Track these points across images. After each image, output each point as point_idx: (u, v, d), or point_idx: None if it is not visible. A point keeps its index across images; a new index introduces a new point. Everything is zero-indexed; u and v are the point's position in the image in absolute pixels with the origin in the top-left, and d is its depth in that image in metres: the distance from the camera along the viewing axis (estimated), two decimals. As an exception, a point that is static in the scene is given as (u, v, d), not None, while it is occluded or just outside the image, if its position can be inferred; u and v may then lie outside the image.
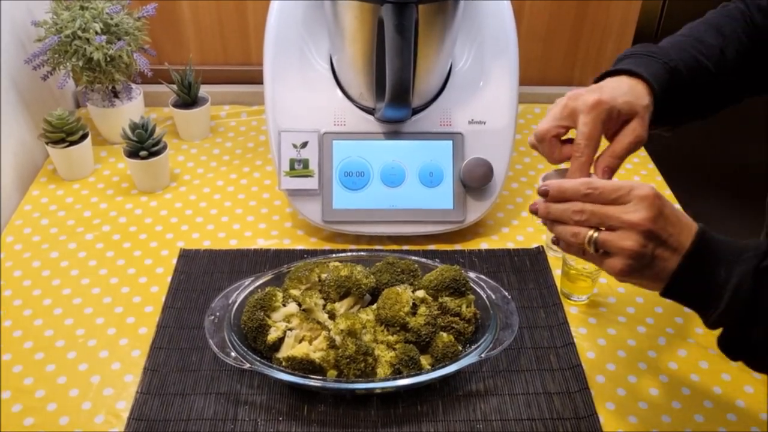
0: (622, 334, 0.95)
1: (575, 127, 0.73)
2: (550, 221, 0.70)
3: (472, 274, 0.95)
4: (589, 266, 0.98)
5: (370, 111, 1.07)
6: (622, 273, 0.65)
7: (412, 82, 0.96)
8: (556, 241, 0.71)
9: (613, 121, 0.73)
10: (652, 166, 1.27)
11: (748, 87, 0.83)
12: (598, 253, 0.66)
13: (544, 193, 0.69)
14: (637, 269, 0.65)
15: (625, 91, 0.73)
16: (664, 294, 0.67)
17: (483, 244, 1.10)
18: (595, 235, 0.65)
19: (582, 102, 0.72)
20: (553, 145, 0.75)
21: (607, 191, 0.65)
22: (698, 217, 0.68)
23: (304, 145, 1.06)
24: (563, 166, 0.76)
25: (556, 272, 1.03)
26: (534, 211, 0.71)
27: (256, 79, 1.39)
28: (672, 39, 0.82)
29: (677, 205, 1.00)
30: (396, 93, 0.95)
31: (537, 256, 1.07)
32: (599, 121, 0.72)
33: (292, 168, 1.06)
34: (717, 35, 0.80)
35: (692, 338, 0.94)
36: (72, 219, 1.13)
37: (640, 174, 1.26)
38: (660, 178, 1.24)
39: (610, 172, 0.74)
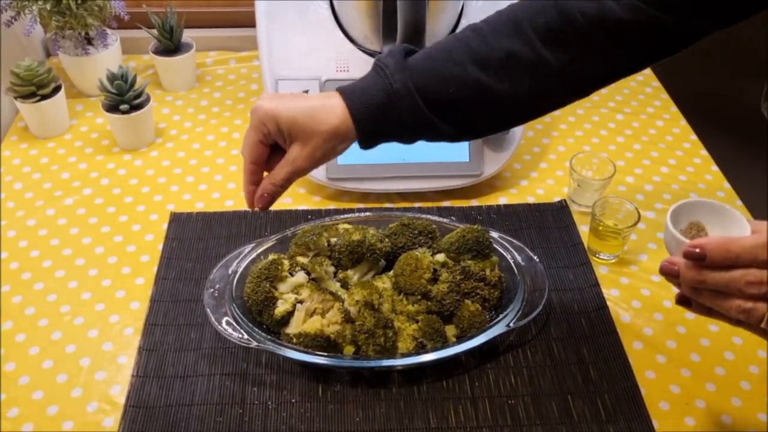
0: (658, 294, 0.88)
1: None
2: (697, 289, 0.54)
3: (494, 234, 0.87)
4: (621, 222, 0.90)
5: (376, 55, 0.97)
6: None
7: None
8: (686, 302, 0.57)
9: (276, 135, 0.67)
10: (684, 123, 1.18)
11: (569, 88, 0.69)
12: None
13: (698, 258, 0.52)
14: None
15: (307, 107, 0.65)
16: None
17: (501, 198, 1.01)
18: None
19: (251, 110, 0.67)
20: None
21: None
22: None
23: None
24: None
25: (582, 228, 0.96)
26: (670, 274, 0.55)
27: (245, 21, 1.28)
28: (450, 38, 0.69)
29: None
30: (409, 35, 0.85)
31: (560, 210, 0.99)
32: (252, 128, 0.67)
33: (291, 120, 0.96)
34: (512, 33, 0.65)
35: (732, 297, 0.87)
36: (48, 182, 1.02)
37: (663, 118, 1.17)
38: (694, 137, 1.15)
39: (268, 199, 0.69)
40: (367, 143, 0.69)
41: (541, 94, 0.68)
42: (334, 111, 0.65)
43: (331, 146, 0.67)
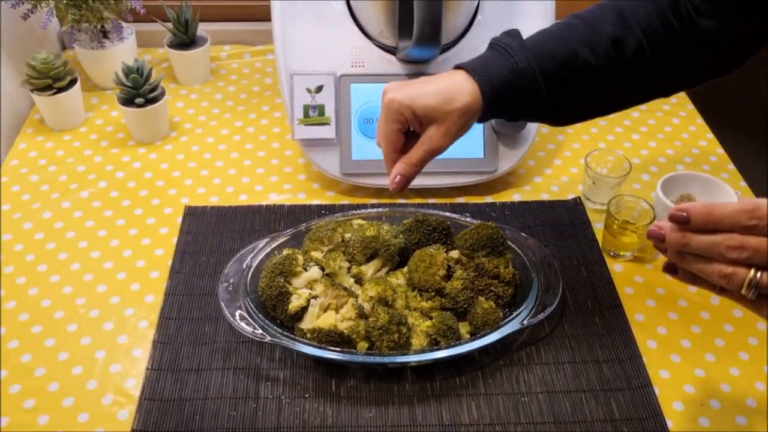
0: (672, 293, 0.87)
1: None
2: (682, 253, 0.55)
3: (508, 231, 0.86)
4: (636, 219, 0.90)
5: (391, 50, 0.97)
6: None
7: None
8: (672, 269, 0.58)
9: (413, 121, 0.69)
10: (700, 120, 1.16)
11: (660, 84, 0.73)
12: (758, 298, 0.52)
13: (682, 220, 0.53)
14: None
15: (436, 90, 0.68)
16: None
17: (515, 195, 1.01)
18: (759, 275, 0.50)
19: (385, 99, 0.69)
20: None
21: None
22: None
23: (319, 89, 0.95)
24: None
25: (597, 226, 0.95)
26: (656, 237, 0.55)
27: (260, 15, 1.28)
28: (558, 25, 0.73)
29: None
30: (426, 30, 0.84)
31: (574, 208, 0.98)
32: (390, 120, 0.69)
33: (306, 115, 0.96)
34: (617, 22, 0.70)
35: (748, 297, 0.87)
36: (64, 174, 1.03)
37: (679, 116, 1.16)
38: (711, 135, 1.13)
39: (404, 180, 0.71)
40: (484, 118, 0.72)
41: (640, 85, 0.73)
42: (463, 89, 0.68)
43: (463, 122, 0.69)
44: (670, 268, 0.58)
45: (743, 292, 0.51)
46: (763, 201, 0.50)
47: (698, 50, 0.71)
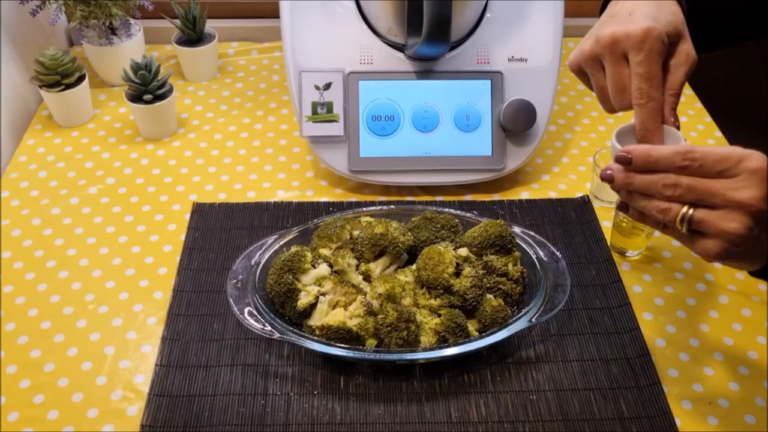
0: (681, 292, 0.87)
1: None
2: (628, 191, 0.59)
3: (516, 229, 0.86)
4: (645, 219, 0.90)
5: (400, 47, 0.96)
6: (718, 257, 0.56)
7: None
8: (624, 208, 0.61)
9: (664, 51, 0.62)
10: (708, 119, 1.16)
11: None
12: (689, 233, 0.56)
13: (625, 161, 0.57)
14: (736, 254, 0.56)
15: (657, 10, 0.62)
16: (755, 274, 0.59)
17: (523, 193, 1.01)
18: (690, 212, 0.55)
19: (626, 39, 0.61)
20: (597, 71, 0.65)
21: (710, 163, 0.54)
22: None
23: (328, 86, 0.95)
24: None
25: (605, 224, 0.95)
26: (607, 179, 0.59)
27: (268, 12, 1.28)
28: None
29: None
30: (435, 27, 0.84)
31: (583, 206, 0.98)
32: (655, 54, 0.61)
33: (314, 112, 0.96)
34: None
35: (757, 296, 0.87)
36: (72, 170, 1.03)
37: (687, 114, 1.16)
38: (719, 134, 1.13)
39: (676, 113, 0.64)
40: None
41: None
42: (672, 3, 0.63)
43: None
44: (623, 207, 0.62)
45: (677, 226, 0.56)
46: (696, 146, 0.55)
47: None
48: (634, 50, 0.61)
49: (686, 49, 0.63)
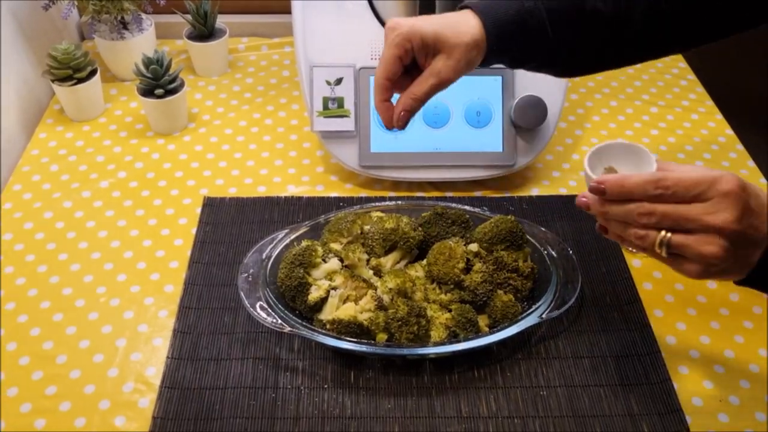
0: (691, 289, 0.87)
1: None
2: (607, 219, 0.61)
3: (526, 225, 0.86)
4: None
5: (411, 43, 0.96)
6: (699, 277, 0.58)
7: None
8: (603, 230, 0.63)
9: (419, 50, 0.67)
10: (720, 116, 1.15)
11: (674, 36, 0.71)
12: (669, 255, 0.58)
13: (599, 191, 0.59)
14: (717, 272, 0.57)
15: (444, 22, 0.67)
16: (741, 284, 0.60)
17: (533, 189, 1.01)
18: (668, 236, 0.57)
19: (390, 27, 0.67)
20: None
21: (683, 189, 0.56)
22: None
23: (339, 81, 0.96)
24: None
25: (615, 221, 0.95)
26: (582, 206, 0.62)
27: (278, 8, 1.28)
28: None
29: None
30: (447, 22, 0.84)
31: (593, 203, 0.98)
32: (393, 46, 0.66)
33: (325, 107, 0.96)
34: None
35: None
36: (84, 164, 1.03)
37: (698, 111, 1.15)
38: (730, 131, 1.12)
39: (408, 116, 0.69)
40: (488, 60, 0.70)
41: (649, 34, 0.70)
42: (469, 24, 0.67)
43: (470, 57, 0.67)
44: (602, 229, 0.63)
45: (657, 250, 0.58)
46: (667, 173, 0.57)
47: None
48: (386, 36, 0.68)
49: (440, 65, 0.66)
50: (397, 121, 0.69)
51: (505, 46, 0.69)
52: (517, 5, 0.68)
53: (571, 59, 0.72)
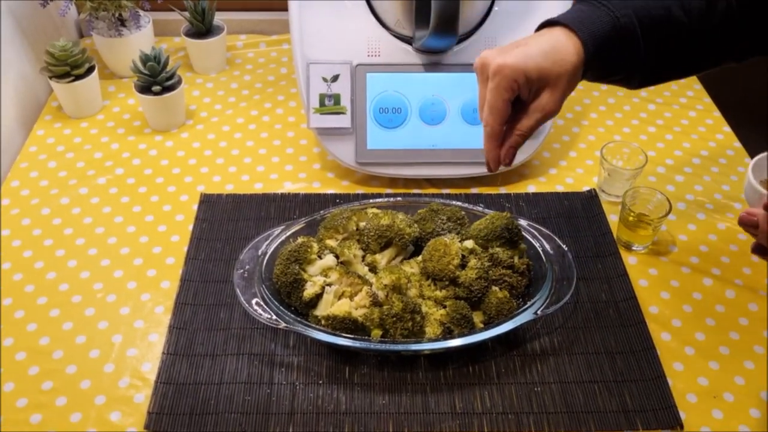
0: (687, 286, 0.87)
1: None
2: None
3: (522, 222, 0.86)
4: (651, 212, 0.89)
5: (407, 40, 0.97)
6: None
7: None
8: (761, 251, 0.60)
9: (524, 87, 0.65)
10: (717, 114, 1.15)
11: (748, 45, 0.70)
12: None
13: None
14: None
15: (543, 51, 0.65)
16: None
17: (530, 187, 1.01)
18: None
19: (490, 67, 0.65)
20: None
21: None
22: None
23: (335, 78, 0.96)
24: None
25: (612, 218, 0.95)
26: (750, 225, 0.58)
27: (276, 5, 1.29)
28: None
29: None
30: (443, 19, 0.84)
31: (590, 200, 0.98)
32: (502, 89, 0.64)
33: (321, 104, 0.96)
34: None
35: (763, 291, 0.86)
36: (81, 161, 1.04)
37: (696, 109, 1.15)
38: (727, 128, 1.12)
39: (514, 152, 0.68)
40: (585, 77, 0.69)
41: (726, 40, 0.70)
42: (569, 48, 0.65)
43: (573, 84, 0.66)
44: (760, 250, 0.60)
45: None
46: None
47: None
48: (490, 79, 0.65)
49: (545, 101, 0.66)
50: (505, 159, 0.68)
51: (599, 62, 0.67)
52: (611, 20, 0.66)
53: (655, 70, 0.70)
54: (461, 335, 0.75)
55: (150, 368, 0.77)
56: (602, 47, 0.66)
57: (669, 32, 0.67)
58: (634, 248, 0.91)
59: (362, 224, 0.85)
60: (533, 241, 0.85)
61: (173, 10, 1.19)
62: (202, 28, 1.18)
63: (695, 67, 0.74)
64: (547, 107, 0.66)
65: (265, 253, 0.83)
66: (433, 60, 0.97)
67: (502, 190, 1.00)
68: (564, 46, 0.65)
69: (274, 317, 0.75)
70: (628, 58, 0.68)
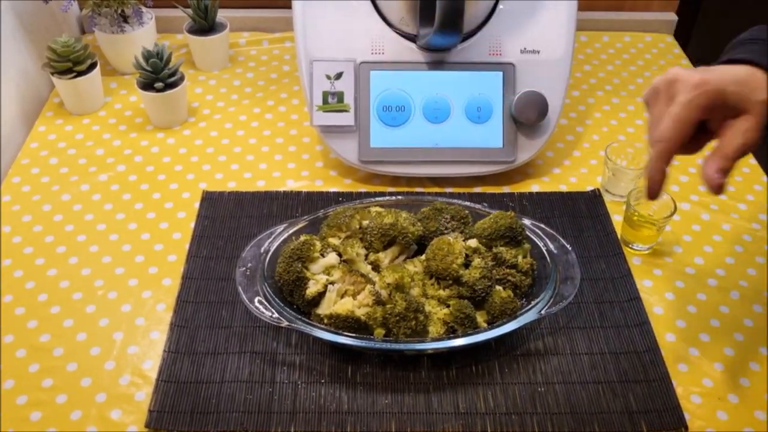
0: (691, 287, 0.87)
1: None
2: None
3: (526, 221, 0.86)
4: (656, 212, 0.89)
5: (411, 38, 0.96)
6: None
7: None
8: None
9: (717, 111, 0.60)
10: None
11: None
12: None
13: None
14: None
15: (739, 79, 0.60)
16: None
17: (533, 186, 1.00)
18: None
19: (688, 82, 0.59)
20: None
21: None
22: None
23: (339, 76, 0.95)
24: None
25: (615, 218, 0.94)
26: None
27: (279, 2, 1.28)
28: None
29: None
30: (447, 17, 0.84)
31: (593, 199, 0.97)
32: (696, 105, 0.59)
33: (325, 102, 0.95)
34: None
35: (768, 292, 0.86)
36: (83, 157, 1.03)
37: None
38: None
39: (724, 176, 0.60)
40: None
41: None
42: (757, 78, 0.60)
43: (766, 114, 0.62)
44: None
45: None
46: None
47: None
48: (682, 92, 0.59)
49: (747, 128, 0.60)
50: (718, 188, 0.60)
51: None
52: None
53: None
54: (464, 335, 0.75)
55: (151, 366, 0.77)
56: None
57: None
58: (638, 248, 0.91)
59: (365, 223, 0.84)
60: (537, 241, 0.84)
61: (176, 7, 1.19)
62: (205, 25, 1.17)
63: None
64: (748, 135, 0.59)
65: (267, 251, 0.82)
66: (438, 58, 0.96)
67: (506, 189, 0.99)
68: (755, 76, 0.60)
69: (277, 316, 0.75)
70: None
